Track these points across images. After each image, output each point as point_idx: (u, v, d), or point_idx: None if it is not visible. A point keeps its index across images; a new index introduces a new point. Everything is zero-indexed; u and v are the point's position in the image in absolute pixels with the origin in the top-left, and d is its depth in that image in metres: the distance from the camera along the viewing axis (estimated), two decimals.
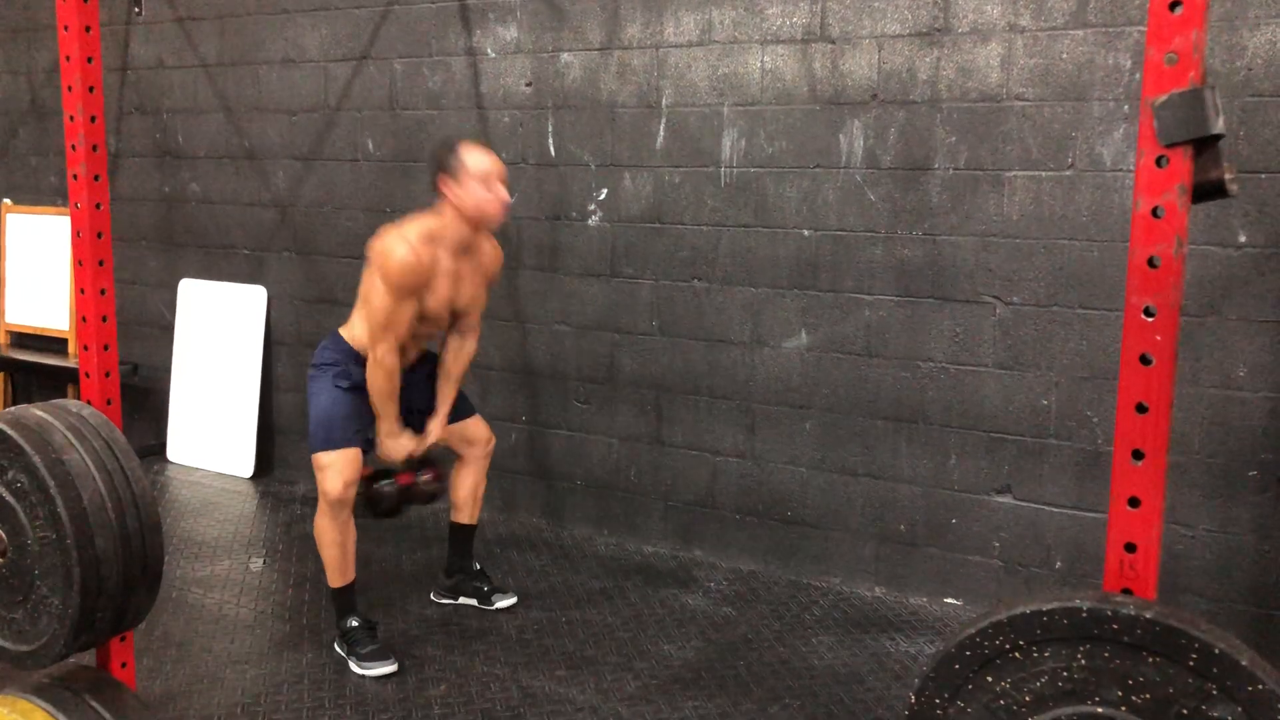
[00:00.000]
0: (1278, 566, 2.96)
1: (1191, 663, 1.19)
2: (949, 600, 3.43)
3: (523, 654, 3.09)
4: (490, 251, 3.14)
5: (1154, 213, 1.25)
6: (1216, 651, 1.17)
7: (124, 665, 2.25)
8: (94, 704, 1.95)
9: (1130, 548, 1.30)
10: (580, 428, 4.03)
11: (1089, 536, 3.18)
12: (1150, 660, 1.21)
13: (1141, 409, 1.27)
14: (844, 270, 3.46)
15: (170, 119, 4.88)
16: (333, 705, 2.80)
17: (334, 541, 3.01)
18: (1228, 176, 1.26)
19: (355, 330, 3.07)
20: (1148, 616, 1.20)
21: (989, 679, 1.30)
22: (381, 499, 3.09)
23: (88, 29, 2.13)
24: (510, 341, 4.11)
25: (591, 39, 3.81)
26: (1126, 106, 3.02)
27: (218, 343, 4.83)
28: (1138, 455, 1.28)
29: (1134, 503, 1.29)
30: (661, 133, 3.72)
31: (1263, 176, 2.88)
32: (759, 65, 3.52)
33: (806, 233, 3.51)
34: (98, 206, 2.18)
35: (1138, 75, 2.98)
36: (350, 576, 3.07)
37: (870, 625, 3.30)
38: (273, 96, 4.57)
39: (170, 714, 2.75)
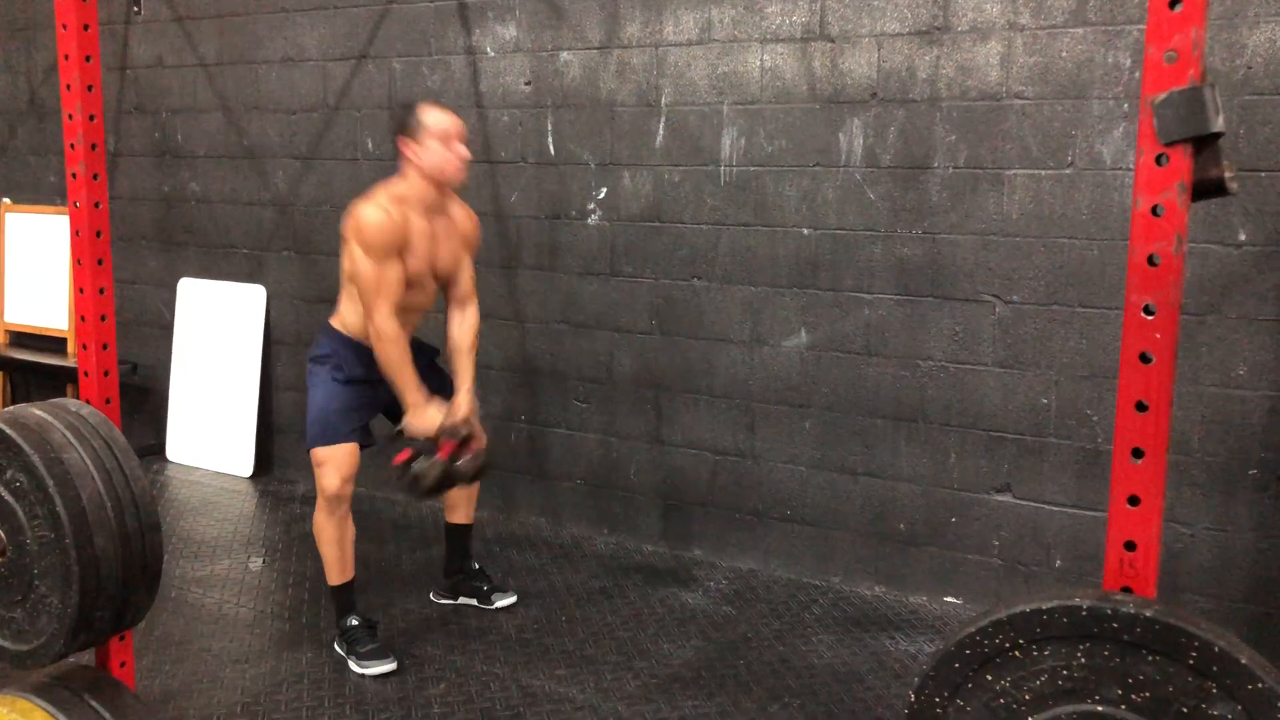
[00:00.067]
0: (1277, 565, 2.96)
1: (1191, 661, 1.18)
2: (949, 599, 3.43)
3: (522, 653, 3.09)
4: (464, 217, 3.14)
5: (1154, 211, 1.24)
6: (1216, 650, 1.17)
7: (123, 665, 2.24)
8: (93, 703, 1.95)
9: (1130, 546, 1.30)
10: (579, 427, 4.03)
11: (1089, 535, 3.18)
12: (1150, 659, 1.21)
13: (1141, 407, 1.27)
14: (843, 269, 3.46)
15: (169, 118, 4.88)
16: (332, 704, 2.80)
17: (333, 538, 3.01)
18: (1227, 174, 1.26)
19: (346, 317, 3.05)
20: (1147, 615, 1.20)
21: (989, 678, 1.30)
22: (422, 479, 2.90)
23: (86, 27, 2.13)
24: (509, 340, 4.11)
25: (591, 38, 3.81)
26: (1126, 105, 3.02)
27: (217, 342, 4.83)
28: (1137, 454, 1.28)
29: (1134, 501, 1.29)
30: (661, 131, 3.72)
31: (1263, 175, 2.88)
32: (758, 64, 3.52)
33: (806, 231, 3.51)
34: (97, 205, 2.18)
35: (1137, 73, 2.98)
36: (350, 574, 3.07)
37: (870, 624, 3.30)
38: (272, 96, 4.57)
39: (169, 713, 2.74)
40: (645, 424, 3.89)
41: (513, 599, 3.40)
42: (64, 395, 4.48)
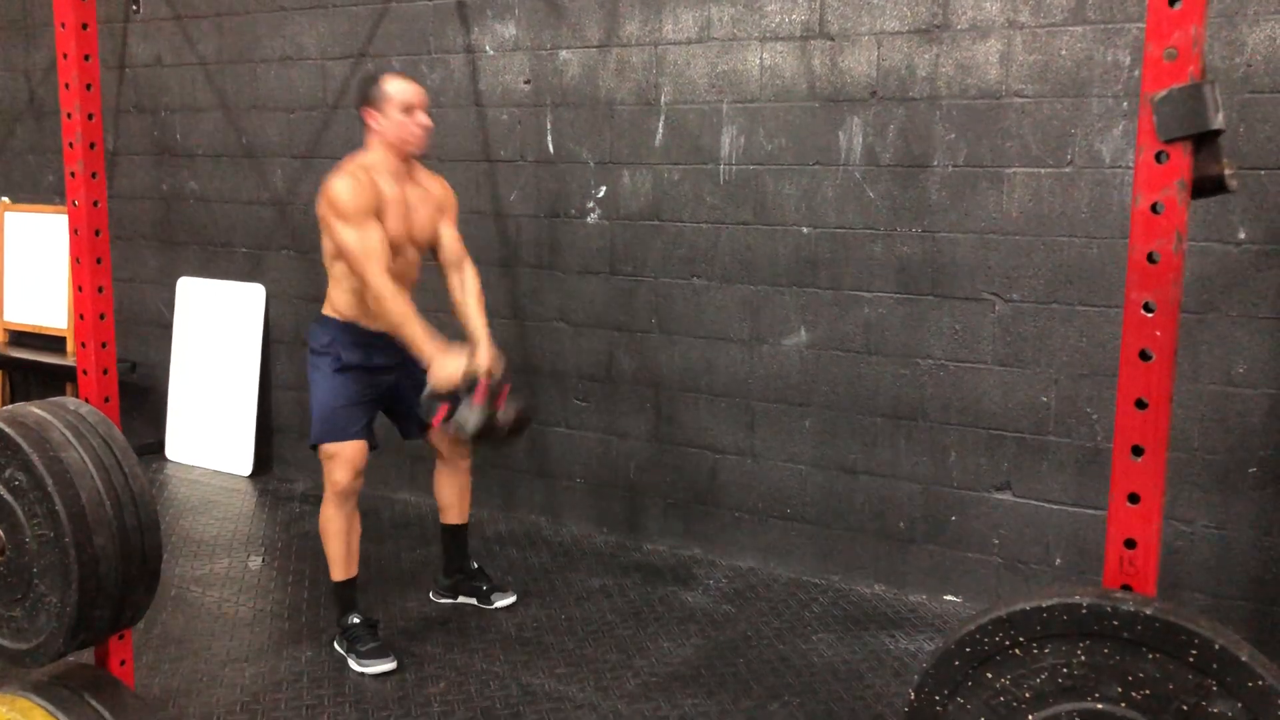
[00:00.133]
0: (1277, 562, 2.96)
1: (1191, 659, 1.18)
2: (948, 597, 3.43)
3: (522, 652, 3.09)
4: (436, 184, 3.16)
5: (1153, 208, 1.24)
6: (1216, 647, 1.17)
7: (123, 663, 2.24)
8: (93, 702, 1.94)
9: (1130, 544, 1.30)
10: (579, 425, 4.03)
11: (1088, 533, 3.18)
12: (1150, 656, 1.20)
13: (1141, 405, 1.27)
14: (843, 267, 3.46)
15: (168, 117, 4.88)
16: (332, 703, 2.80)
17: (339, 533, 3.01)
18: (1227, 172, 1.26)
19: (335, 301, 3.06)
20: (1147, 613, 1.20)
21: (989, 676, 1.30)
22: (465, 427, 2.85)
23: (85, 26, 2.12)
24: (509, 339, 4.11)
25: (590, 36, 3.80)
26: (1126, 103, 3.02)
27: (216, 341, 4.83)
28: (1137, 451, 1.28)
29: (1134, 499, 1.29)
30: (660, 130, 3.71)
31: (1262, 173, 2.87)
32: (758, 62, 3.52)
33: (805, 230, 3.50)
34: (95, 204, 2.17)
35: (1137, 71, 2.98)
36: (353, 571, 3.07)
37: (870, 622, 3.29)
38: (271, 94, 4.57)
39: (169, 712, 2.74)
40: (645, 423, 3.89)
41: (512, 599, 3.40)
42: (63, 394, 4.46)
